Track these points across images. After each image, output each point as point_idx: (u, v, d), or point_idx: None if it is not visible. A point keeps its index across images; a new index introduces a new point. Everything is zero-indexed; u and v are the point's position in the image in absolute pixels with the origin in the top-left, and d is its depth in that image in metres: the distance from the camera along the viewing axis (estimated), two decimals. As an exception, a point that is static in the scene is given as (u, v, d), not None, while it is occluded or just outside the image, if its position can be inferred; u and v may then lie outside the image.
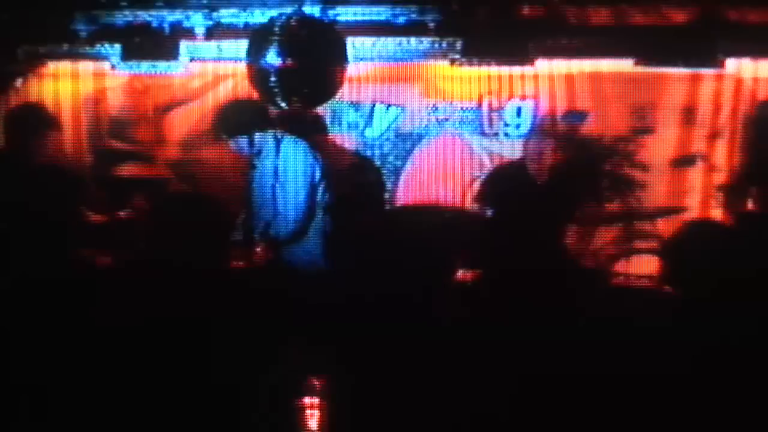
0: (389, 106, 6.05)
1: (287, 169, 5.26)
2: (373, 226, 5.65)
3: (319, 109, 5.80)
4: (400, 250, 4.40)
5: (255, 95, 5.30)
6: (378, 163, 6.12)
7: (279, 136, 5.32)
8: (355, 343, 4.18)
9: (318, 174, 5.27)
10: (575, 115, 5.92)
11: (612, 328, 3.66)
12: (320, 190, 5.29)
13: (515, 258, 4.52)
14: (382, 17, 5.76)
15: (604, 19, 5.65)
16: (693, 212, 5.87)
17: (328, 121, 6.07)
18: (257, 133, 5.30)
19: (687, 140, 5.91)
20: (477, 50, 5.69)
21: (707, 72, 5.77)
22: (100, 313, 3.84)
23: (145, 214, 5.53)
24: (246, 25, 5.79)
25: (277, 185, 5.27)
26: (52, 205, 3.93)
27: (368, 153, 6.13)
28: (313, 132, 5.75)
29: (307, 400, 4.19)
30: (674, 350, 3.02)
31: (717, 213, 5.85)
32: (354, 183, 5.96)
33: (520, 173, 5.61)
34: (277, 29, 5.12)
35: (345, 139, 6.12)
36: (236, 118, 5.36)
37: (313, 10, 5.55)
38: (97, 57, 6.00)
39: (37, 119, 5.08)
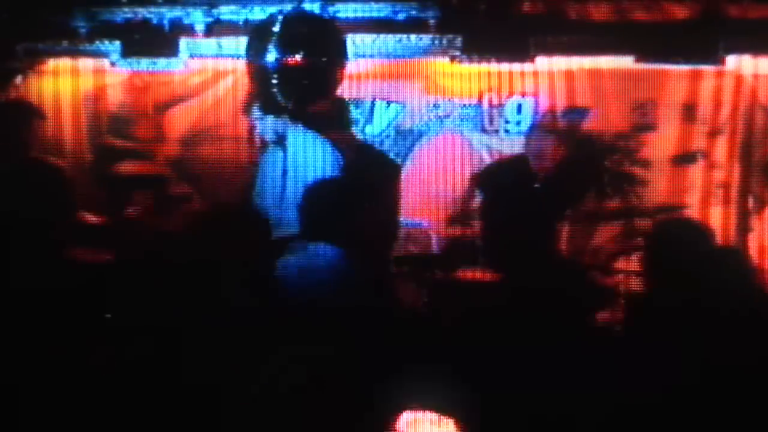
0: (389, 103, 6.04)
1: (307, 162, 5.15)
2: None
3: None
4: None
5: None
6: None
7: (303, 130, 5.20)
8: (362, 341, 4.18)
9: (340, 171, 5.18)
10: (576, 112, 5.91)
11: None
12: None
13: (514, 256, 4.51)
14: (382, 14, 5.76)
15: (604, 15, 5.64)
16: (694, 209, 5.86)
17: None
18: (283, 121, 5.19)
19: (688, 137, 5.90)
20: (477, 47, 5.69)
21: (708, 69, 5.76)
22: (93, 313, 3.85)
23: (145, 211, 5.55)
24: (246, 21, 5.79)
25: (290, 177, 5.17)
26: (39, 203, 3.92)
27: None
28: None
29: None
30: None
31: (717, 210, 5.86)
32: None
33: (519, 169, 5.60)
34: (276, 26, 5.13)
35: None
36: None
37: (312, 6, 5.55)
38: (97, 54, 6.00)
39: (23, 112, 5.08)
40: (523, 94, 5.93)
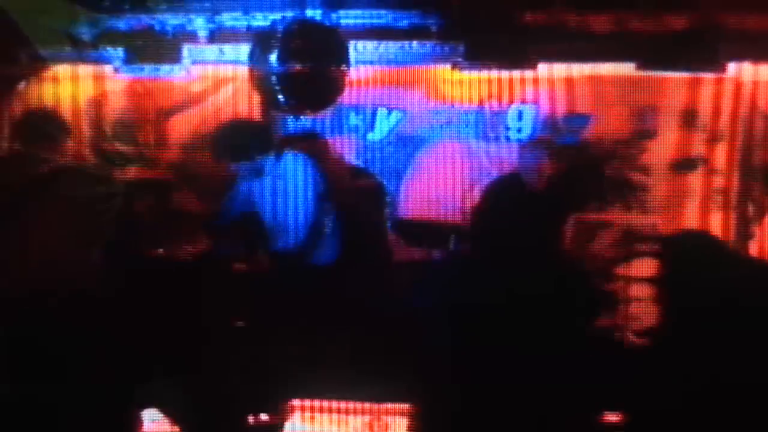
0: (391, 109, 6.06)
1: (289, 184, 5.25)
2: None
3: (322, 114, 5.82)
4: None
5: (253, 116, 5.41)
6: (379, 167, 6.14)
7: (280, 154, 5.30)
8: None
9: (320, 186, 5.28)
10: (576, 119, 5.93)
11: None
12: (322, 201, 5.29)
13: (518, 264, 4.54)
14: (384, 21, 5.77)
15: (605, 24, 5.66)
16: (693, 215, 5.88)
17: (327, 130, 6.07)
18: (259, 156, 5.25)
19: (688, 143, 5.92)
20: (479, 54, 5.71)
21: (708, 76, 5.78)
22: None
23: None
24: (248, 28, 5.81)
25: (279, 201, 5.27)
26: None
27: (370, 157, 6.14)
28: (313, 145, 5.74)
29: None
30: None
31: (717, 216, 5.88)
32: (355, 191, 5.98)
33: (521, 179, 5.64)
34: (279, 33, 5.14)
35: (346, 143, 6.14)
36: (237, 142, 5.29)
37: (315, 13, 5.56)
38: (100, 60, 6.02)
39: (53, 125, 5.08)
40: (525, 101, 5.95)
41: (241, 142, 5.27)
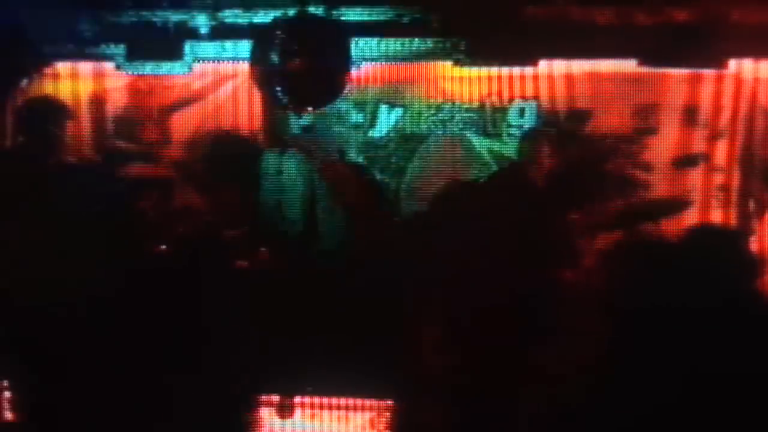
0: (393, 106, 6.07)
1: (288, 183, 5.30)
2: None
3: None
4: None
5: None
6: (380, 164, 6.15)
7: (278, 155, 5.35)
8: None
9: (320, 185, 5.32)
10: (578, 116, 5.93)
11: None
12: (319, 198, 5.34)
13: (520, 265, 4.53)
14: (386, 17, 5.78)
15: (607, 19, 5.66)
16: (694, 211, 5.89)
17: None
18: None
19: (689, 140, 5.92)
20: (481, 50, 5.71)
21: (709, 72, 5.79)
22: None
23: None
24: (250, 25, 5.81)
25: (281, 198, 5.31)
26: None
27: (372, 153, 6.15)
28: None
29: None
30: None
31: (718, 213, 5.88)
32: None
33: (522, 177, 5.64)
34: (281, 29, 5.15)
35: (348, 140, 6.15)
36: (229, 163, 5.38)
37: (317, 10, 5.56)
38: (102, 57, 6.02)
39: (55, 110, 5.09)
40: (526, 98, 5.95)
41: (233, 162, 5.35)
